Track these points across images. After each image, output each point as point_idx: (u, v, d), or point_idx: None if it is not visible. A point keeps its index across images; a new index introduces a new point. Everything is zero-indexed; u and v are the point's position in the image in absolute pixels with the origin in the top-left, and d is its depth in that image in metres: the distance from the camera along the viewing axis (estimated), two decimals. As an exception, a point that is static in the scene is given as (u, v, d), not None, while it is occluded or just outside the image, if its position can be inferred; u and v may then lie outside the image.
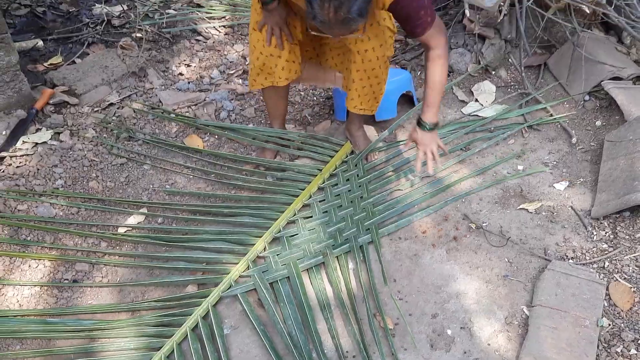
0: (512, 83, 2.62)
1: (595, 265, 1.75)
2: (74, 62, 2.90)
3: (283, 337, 1.63)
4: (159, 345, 1.63)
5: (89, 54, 2.98)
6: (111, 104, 2.62)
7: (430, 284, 1.77)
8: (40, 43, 3.04)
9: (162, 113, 2.54)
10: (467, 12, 2.53)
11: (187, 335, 1.66)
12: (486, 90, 2.54)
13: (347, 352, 1.60)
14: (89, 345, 1.63)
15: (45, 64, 2.87)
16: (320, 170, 2.20)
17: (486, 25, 2.67)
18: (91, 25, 3.21)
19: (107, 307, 1.75)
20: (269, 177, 2.20)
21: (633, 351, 1.51)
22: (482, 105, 2.49)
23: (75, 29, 3.18)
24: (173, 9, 3.35)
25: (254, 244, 1.90)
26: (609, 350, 1.53)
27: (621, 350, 1.52)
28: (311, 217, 2.02)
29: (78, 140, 2.38)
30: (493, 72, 2.66)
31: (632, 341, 1.54)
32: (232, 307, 1.75)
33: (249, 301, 1.74)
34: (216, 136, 2.45)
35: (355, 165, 2.23)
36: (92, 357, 1.59)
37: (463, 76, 2.65)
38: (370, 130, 2.36)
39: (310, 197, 2.10)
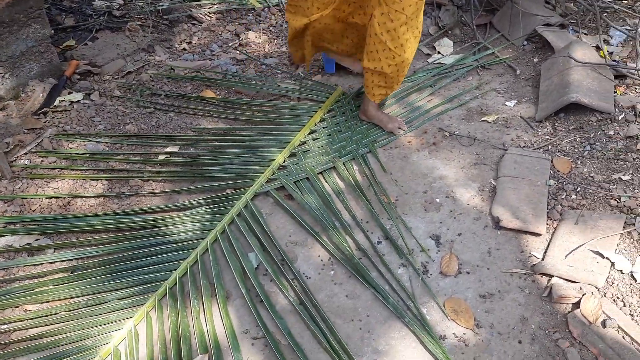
0: (466, 39, 3.19)
1: (541, 150, 2.29)
2: (86, 44, 3.29)
3: (311, 214, 2.08)
4: (212, 227, 2.04)
5: (98, 38, 3.37)
6: (129, 72, 3.02)
7: (419, 173, 2.26)
8: (52, 32, 3.42)
9: (181, 73, 2.97)
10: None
11: (233, 220, 2.08)
12: (445, 44, 3.10)
13: (361, 219, 2.06)
14: (155, 229, 2.02)
15: (61, 47, 3.25)
16: (320, 107, 2.67)
17: (441, -4, 3.25)
18: (95, 16, 3.62)
19: (163, 207, 2.15)
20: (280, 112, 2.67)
21: (573, 196, 2.04)
22: (443, 55, 3.04)
23: (80, 20, 3.57)
24: (165, 2, 3.79)
25: (275, 158, 2.35)
26: (556, 199, 2.05)
27: (564, 197, 2.05)
28: (318, 138, 2.49)
29: (107, 98, 2.78)
30: (450, 32, 3.23)
31: (572, 190, 2.07)
32: (265, 201, 2.18)
33: (280, 194, 2.18)
34: (226, 90, 2.89)
35: (348, 103, 2.72)
36: (158, 236, 1.99)
37: (426, 37, 3.21)
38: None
39: (315, 125, 2.57)
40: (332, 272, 1.87)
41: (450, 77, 2.86)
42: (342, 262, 1.88)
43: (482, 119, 2.54)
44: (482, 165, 2.25)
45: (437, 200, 2.12)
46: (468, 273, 1.83)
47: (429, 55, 3.09)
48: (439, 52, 3.08)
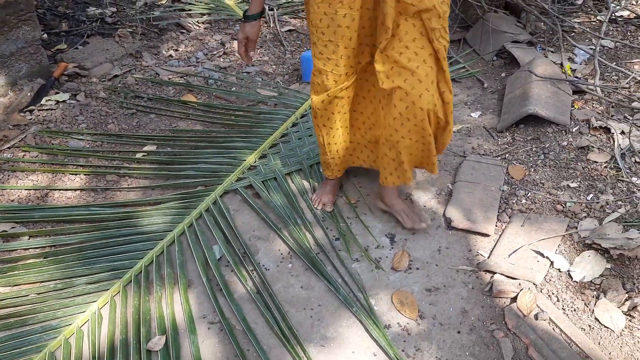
0: (440, 53, 3.34)
1: (499, 158, 2.41)
2: (77, 48, 3.43)
3: (276, 211, 2.19)
4: (180, 221, 2.15)
5: (89, 43, 3.51)
6: (115, 76, 3.15)
7: (382, 176, 2.37)
8: (45, 36, 3.56)
9: (165, 78, 3.10)
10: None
11: (201, 214, 2.19)
12: (420, 58, 3.24)
13: (322, 218, 2.17)
14: (127, 220, 2.13)
15: (53, 50, 3.39)
16: (294, 112, 2.80)
17: (418, 12, 3.40)
18: (88, 22, 3.76)
19: (136, 201, 2.26)
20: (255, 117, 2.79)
21: (524, 200, 2.15)
22: (417, 68, 3.17)
23: (74, 25, 3.72)
24: (157, 11, 3.94)
25: (246, 159, 2.46)
26: (507, 203, 2.16)
27: (515, 201, 2.16)
28: (289, 142, 2.61)
29: (92, 99, 2.91)
30: (425, 46, 3.37)
31: (523, 195, 2.18)
32: (234, 199, 2.29)
33: (248, 192, 2.29)
34: (207, 95, 3.02)
35: (321, 109, 2.84)
36: (129, 227, 2.10)
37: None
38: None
39: (288, 129, 2.69)
40: (290, 265, 1.97)
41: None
42: (300, 256, 1.99)
43: (447, 128, 2.65)
44: (441, 171, 2.37)
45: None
46: (417, 269, 1.93)
47: (403, 67, 3.23)
48: (413, 65, 3.22)
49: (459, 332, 1.71)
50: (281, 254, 2.02)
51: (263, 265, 1.98)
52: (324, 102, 1.92)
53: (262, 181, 2.34)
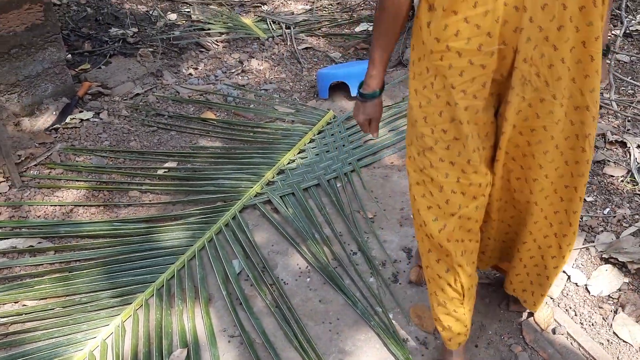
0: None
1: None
2: (99, 67, 3.53)
3: (294, 226, 2.22)
4: (200, 236, 2.20)
5: (111, 62, 3.61)
6: (137, 94, 3.24)
7: (398, 191, 2.40)
8: (69, 56, 3.67)
9: (185, 96, 3.18)
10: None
11: (221, 229, 2.23)
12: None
13: (340, 232, 2.20)
14: (149, 235, 2.19)
15: (77, 70, 3.49)
16: (311, 129, 2.84)
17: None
18: (110, 43, 3.87)
19: (157, 216, 2.31)
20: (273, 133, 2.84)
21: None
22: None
23: (97, 45, 3.83)
24: (177, 30, 4.04)
25: (265, 175, 2.51)
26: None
27: (532, 216, 2.17)
28: (306, 157, 2.65)
29: (115, 117, 2.99)
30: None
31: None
32: (252, 214, 2.33)
33: (266, 208, 2.33)
34: (225, 112, 3.09)
35: (338, 125, 2.88)
36: (151, 242, 2.15)
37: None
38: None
39: (305, 145, 2.73)
40: (308, 279, 2.01)
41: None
42: (319, 270, 2.02)
43: (463, 143, 2.68)
44: (458, 186, 2.39)
45: (412, 216, 2.25)
46: (435, 283, 1.94)
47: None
48: (428, 81, 3.25)
49: (476, 346, 1.72)
50: (299, 268, 2.06)
51: (282, 280, 2.01)
52: (453, 230, 1.37)
53: (280, 196, 2.38)
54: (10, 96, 2.81)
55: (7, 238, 2.17)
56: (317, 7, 4.55)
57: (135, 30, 4.01)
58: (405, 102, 3.07)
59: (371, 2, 4.47)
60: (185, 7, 4.55)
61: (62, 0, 4.58)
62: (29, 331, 1.83)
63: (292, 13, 4.47)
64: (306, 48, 3.87)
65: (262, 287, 1.96)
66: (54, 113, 2.95)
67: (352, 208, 2.31)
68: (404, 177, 2.48)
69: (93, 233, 2.20)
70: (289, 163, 2.62)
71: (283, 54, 3.77)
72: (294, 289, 1.97)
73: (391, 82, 3.24)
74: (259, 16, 4.35)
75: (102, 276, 2.02)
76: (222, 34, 4.02)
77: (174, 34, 3.92)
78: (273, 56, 3.75)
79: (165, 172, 2.58)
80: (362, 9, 4.40)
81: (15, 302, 1.93)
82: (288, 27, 4.08)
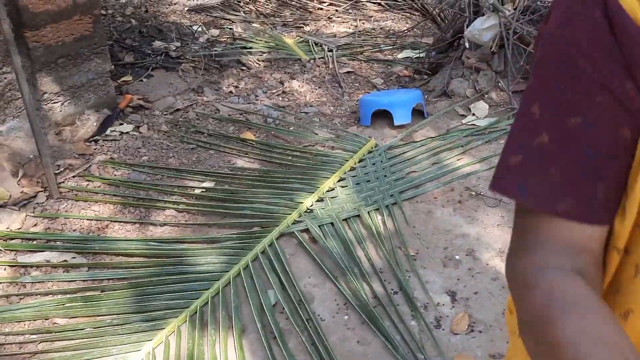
0: (501, 103, 3.27)
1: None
2: (141, 80, 3.53)
3: (332, 258, 2.15)
4: (236, 262, 2.13)
5: (153, 76, 3.62)
6: (177, 110, 3.22)
7: (442, 228, 2.31)
8: (112, 67, 3.69)
9: (225, 114, 3.15)
10: (466, 44, 3.22)
11: (257, 256, 2.16)
12: (481, 107, 3.19)
13: (380, 268, 2.12)
14: (183, 257, 2.13)
15: (119, 81, 3.50)
16: (352, 156, 2.78)
17: (480, 60, 3.37)
18: (153, 56, 3.88)
19: (193, 238, 2.26)
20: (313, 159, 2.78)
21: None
22: (477, 117, 3.12)
23: (139, 58, 3.84)
24: (219, 47, 4.04)
25: (303, 202, 2.45)
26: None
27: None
28: (347, 186, 2.58)
29: (154, 132, 2.97)
30: (486, 95, 3.32)
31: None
32: (289, 242, 2.26)
33: (304, 237, 2.26)
34: (265, 133, 3.04)
35: (380, 155, 2.81)
36: (185, 265, 2.09)
37: (462, 99, 3.31)
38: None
39: (345, 173, 2.66)
40: (346, 317, 1.92)
41: (482, 139, 2.93)
42: (357, 308, 1.93)
43: (510, 181, 2.58)
44: (505, 227, 2.29)
45: (457, 257, 2.16)
46: (480, 332, 1.84)
47: (463, 116, 3.18)
48: (473, 114, 3.17)
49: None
50: (337, 304, 1.97)
51: (319, 315, 1.93)
52: None
53: (318, 225, 2.31)
54: (53, 105, 2.81)
55: (42, 251, 2.13)
56: (360, 31, 4.51)
57: (178, 44, 4.03)
58: (450, 134, 2.99)
59: (415, 30, 4.42)
60: (228, 23, 4.56)
61: (108, 11, 4.64)
62: (58, 351, 1.77)
63: (335, 35, 4.44)
64: (348, 72, 3.82)
65: (298, 321, 1.88)
66: (95, 124, 2.94)
67: (394, 243, 2.22)
68: (447, 214, 2.39)
69: (127, 251, 2.16)
70: (328, 191, 2.55)
71: (324, 77, 3.73)
72: (331, 327, 1.88)
73: (435, 113, 3.16)
74: (301, 37, 4.34)
75: (135, 298, 1.96)
76: (263, 52, 4.01)
77: (216, 50, 3.92)
78: (314, 78, 3.71)
79: (202, 192, 2.53)
80: (405, 36, 4.35)
81: (45, 319, 1.89)
82: (330, 50, 4.05)
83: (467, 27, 3.32)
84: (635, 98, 0.54)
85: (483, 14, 3.31)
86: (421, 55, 3.84)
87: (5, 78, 2.52)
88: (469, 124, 3.09)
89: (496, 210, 2.41)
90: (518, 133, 0.61)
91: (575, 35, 0.56)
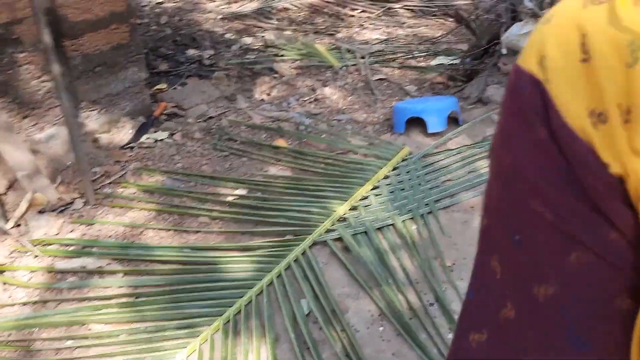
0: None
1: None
2: (175, 88, 3.57)
3: (366, 268, 2.11)
4: (269, 270, 2.12)
5: (187, 84, 3.65)
6: (211, 117, 3.24)
7: (479, 239, 2.25)
8: (147, 75, 3.74)
9: (257, 122, 3.16)
10: (503, 50, 3.16)
11: (290, 265, 2.15)
12: (517, 114, 3.12)
13: (415, 279, 2.07)
14: (216, 265, 2.13)
15: (153, 89, 3.55)
16: (385, 164, 2.74)
17: (516, 66, 3.30)
18: (186, 64, 3.93)
19: (226, 246, 2.25)
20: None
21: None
22: (514, 124, 3.05)
23: (173, 66, 3.89)
24: (251, 54, 4.06)
25: (336, 210, 2.42)
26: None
27: None
28: (380, 194, 2.54)
29: (188, 139, 2.99)
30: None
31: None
32: (322, 251, 2.24)
33: (337, 246, 2.23)
34: (297, 141, 3.03)
35: (414, 163, 2.77)
36: (219, 272, 2.09)
37: (498, 106, 3.24)
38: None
39: (379, 181, 2.63)
40: (381, 329, 1.88)
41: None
42: (392, 320, 1.89)
43: (549, 191, 2.50)
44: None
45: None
46: (520, 346, 1.78)
47: (499, 123, 3.11)
48: (510, 121, 3.10)
49: None
50: (371, 315, 1.93)
51: (353, 326, 1.89)
52: None
53: (352, 235, 2.28)
54: (90, 113, 2.86)
55: (78, 257, 2.16)
56: (392, 38, 4.48)
57: (212, 52, 4.06)
58: (486, 142, 2.92)
59: (450, 36, 4.36)
60: (260, 31, 4.59)
61: (143, 20, 4.72)
62: (94, 357, 1.78)
63: (367, 42, 4.42)
64: (380, 79, 3.79)
65: (332, 332, 1.85)
66: (130, 131, 2.98)
67: (429, 254, 2.17)
68: (484, 224, 2.33)
69: (162, 258, 2.17)
70: (361, 199, 2.51)
71: (356, 84, 3.71)
72: (365, 338, 1.85)
73: (471, 120, 3.10)
74: (333, 44, 4.33)
75: (169, 305, 1.96)
76: (295, 60, 4.01)
77: (248, 58, 3.94)
78: (346, 85, 3.69)
79: (235, 199, 2.53)
80: (439, 42, 4.30)
81: (82, 325, 1.90)
82: (362, 57, 4.03)
83: (503, 33, 3.26)
84: (618, 243, 0.34)
85: (521, 20, 3.24)
86: (456, 61, 3.78)
87: (44, 86, 2.57)
88: (505, 131, 3.02)
89: (535, 220, 2.33)
90: (478, 297, 0.42)
91: (520, 164, 0.37)
